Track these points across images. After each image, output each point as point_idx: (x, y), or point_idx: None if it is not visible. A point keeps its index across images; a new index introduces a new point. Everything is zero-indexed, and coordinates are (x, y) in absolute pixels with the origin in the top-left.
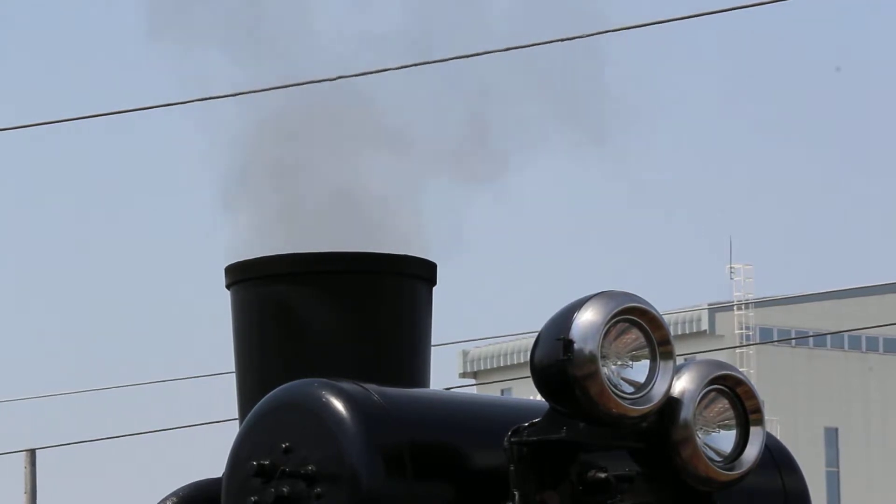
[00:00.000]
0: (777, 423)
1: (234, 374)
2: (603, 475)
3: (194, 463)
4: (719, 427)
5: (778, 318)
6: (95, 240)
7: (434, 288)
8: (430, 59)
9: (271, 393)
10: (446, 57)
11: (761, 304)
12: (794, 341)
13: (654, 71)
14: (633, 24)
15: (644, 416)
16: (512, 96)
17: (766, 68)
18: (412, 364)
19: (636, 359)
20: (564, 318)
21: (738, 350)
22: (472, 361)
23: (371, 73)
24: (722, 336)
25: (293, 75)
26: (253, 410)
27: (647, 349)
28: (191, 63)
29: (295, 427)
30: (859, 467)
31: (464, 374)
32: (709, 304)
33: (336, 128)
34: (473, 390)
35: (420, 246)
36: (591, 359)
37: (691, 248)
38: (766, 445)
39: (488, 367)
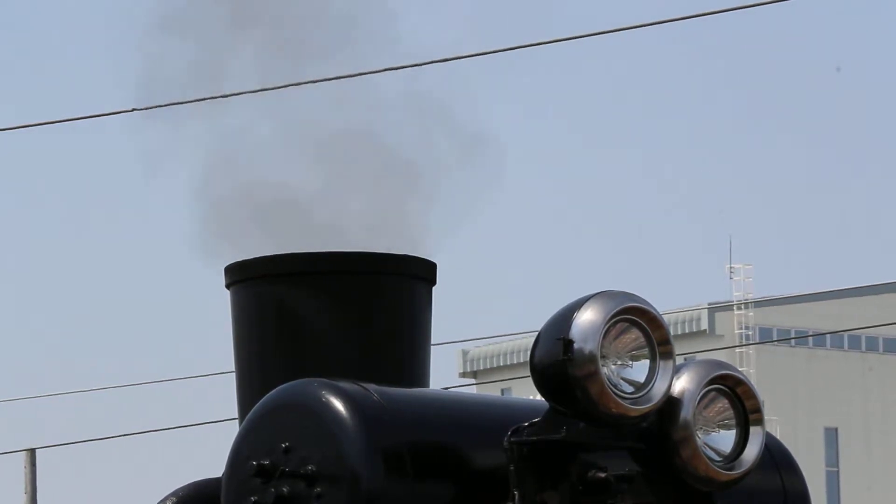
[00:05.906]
0: (777, 423)
1: (233, 374)
2: (603, 475)
3: (194, 463)
4: (719, 427)
5: (777, 318)
6: (95, 240)
7: (434, 288)
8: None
9: (271, 393)
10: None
11: (761, 303)
12: (793, 341)
13: (655, 70)
14: (634, 25)
15: (644, 416)
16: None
17: (766, 68)
18: (412, 364)
19: (636, 358)
20: (564, 318)
21: (737, 350)
22: (472, 361)
23: (370, 72)
24: (721, 336)
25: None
26: (253, 410)
27: (646, 349)
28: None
29: (295, 427)
30: (859, 467)
31: (463, 374)
32: (708, 304)
33: (330, 127)
34: (473, 390)
35: (420, 246)
36: (591, 358)
37: (691, 248)
38: (765, 445)
39: (488, 366)
